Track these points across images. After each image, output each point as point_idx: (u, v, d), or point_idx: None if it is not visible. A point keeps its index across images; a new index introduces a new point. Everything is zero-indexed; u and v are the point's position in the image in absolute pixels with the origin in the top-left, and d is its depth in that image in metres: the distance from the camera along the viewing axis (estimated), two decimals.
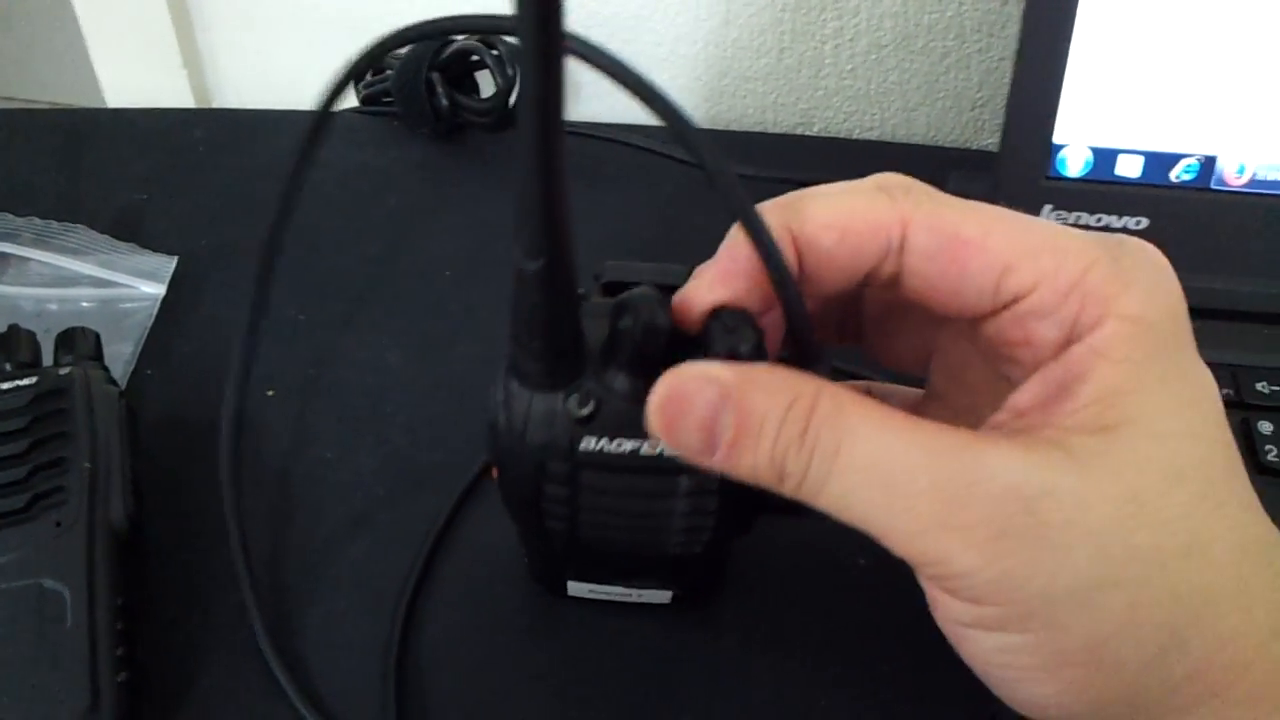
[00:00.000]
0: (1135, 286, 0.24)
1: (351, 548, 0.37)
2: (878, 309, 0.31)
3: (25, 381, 0.36)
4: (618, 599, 0.34)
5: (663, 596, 0.34)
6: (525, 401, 0.26)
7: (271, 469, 0.40)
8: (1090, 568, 0.23)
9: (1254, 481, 0.35)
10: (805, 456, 0.24)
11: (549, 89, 0.20)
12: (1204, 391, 0.24)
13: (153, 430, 0.40)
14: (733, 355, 0.25)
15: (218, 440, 0.37)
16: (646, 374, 0.25)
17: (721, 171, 0.24)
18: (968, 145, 0.58)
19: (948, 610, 0.25)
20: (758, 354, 0.25)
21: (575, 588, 0.34)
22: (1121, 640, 0.23)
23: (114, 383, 0.38)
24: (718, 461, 0.25)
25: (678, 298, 0.26)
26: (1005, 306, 0.25)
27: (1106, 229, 0.42)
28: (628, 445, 0.26)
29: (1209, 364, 0.39)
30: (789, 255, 0.25)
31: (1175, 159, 0.41)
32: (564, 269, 0.24)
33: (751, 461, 0.24)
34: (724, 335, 0.25)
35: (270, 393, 0.42)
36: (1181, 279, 0.42)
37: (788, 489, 0.24)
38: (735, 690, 0.34)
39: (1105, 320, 0.24)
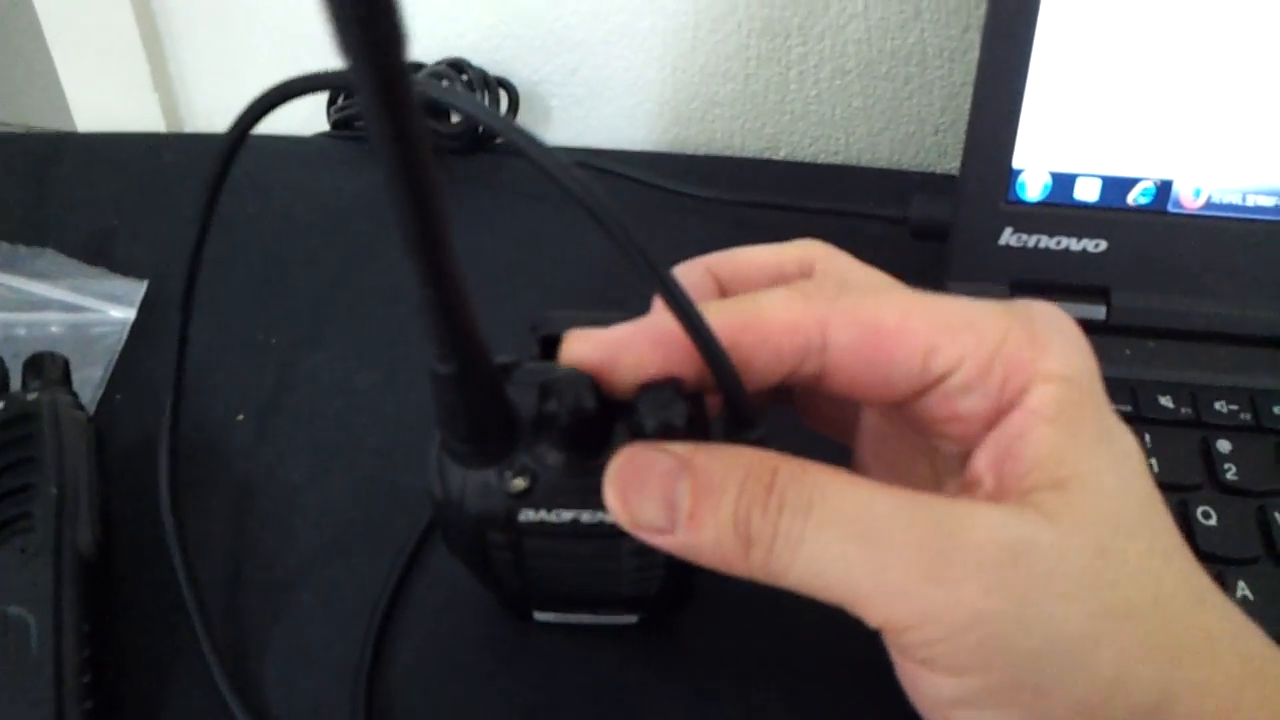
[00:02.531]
0: (1051, 347, 0.24)
1: (322, 572, 0.37)
2: (805, 386, 0.31)
3: None
4: (585, 623, 0.35)
5: (629, 619, 0.34)
6: (460, 476, 0.26)
7: (241, 494, 0.40)
8: (1077, 622, 0.22)
9: (1214, 499, 0.37)
10: (773, 517, 0.23)
11: (423, 212, 0.19)
12: (1127, 447, 0.25)
13: (122, 455, 0.40)
14: (667, 430, 0.24)
15: (185, 465, 0.37)
16: (579, 446, 0.25)
17: (635, 242, 0.22)
18: (931, 169, 0.59)
19: (928, 689, 0.24)
20: (693, 426, 0.24)
21: (541, 615, 0.34)
22: (1114, 702, 0.22)
23: (82, 408, 0.38)
24: (680, 539, 0.24)
25: (609, 364, 0.25)
26: (931, 386, 0.25)
27: (1066, 252, 0.42)
28: (567, 515, 0.26)
29: (1168, 383, 0.40)
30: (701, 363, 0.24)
31: (1132, 183, 0.42)
32: (476, 370, 0.23)
33: (714, 531, 0.23)
34: (655, 412, 0.24)
35: (240, 417, 0.42)
36: (1139, 299, 0.43)
37: (755, 560, 0.23)
38: (702, 712, 0.34)
39: (1031, 384, 0.24)
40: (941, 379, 0.25)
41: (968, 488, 0.25)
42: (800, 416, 0.32)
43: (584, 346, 0.25)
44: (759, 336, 0.25)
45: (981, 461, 0.25)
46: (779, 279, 0.28)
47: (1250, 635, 0.24)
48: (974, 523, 0.22)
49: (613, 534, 0.26)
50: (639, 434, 0.25)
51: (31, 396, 0.36)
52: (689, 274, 0.28)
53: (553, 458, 0.26)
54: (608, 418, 0.25)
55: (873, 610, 0.23)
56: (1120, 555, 0.23)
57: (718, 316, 0.24)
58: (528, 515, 0.26)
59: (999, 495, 0.24)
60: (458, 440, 0.25)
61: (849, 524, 0.23)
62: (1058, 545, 0.22)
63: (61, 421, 0.36)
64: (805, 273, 0.29)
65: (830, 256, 0.28)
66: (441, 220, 0.19)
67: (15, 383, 0.38)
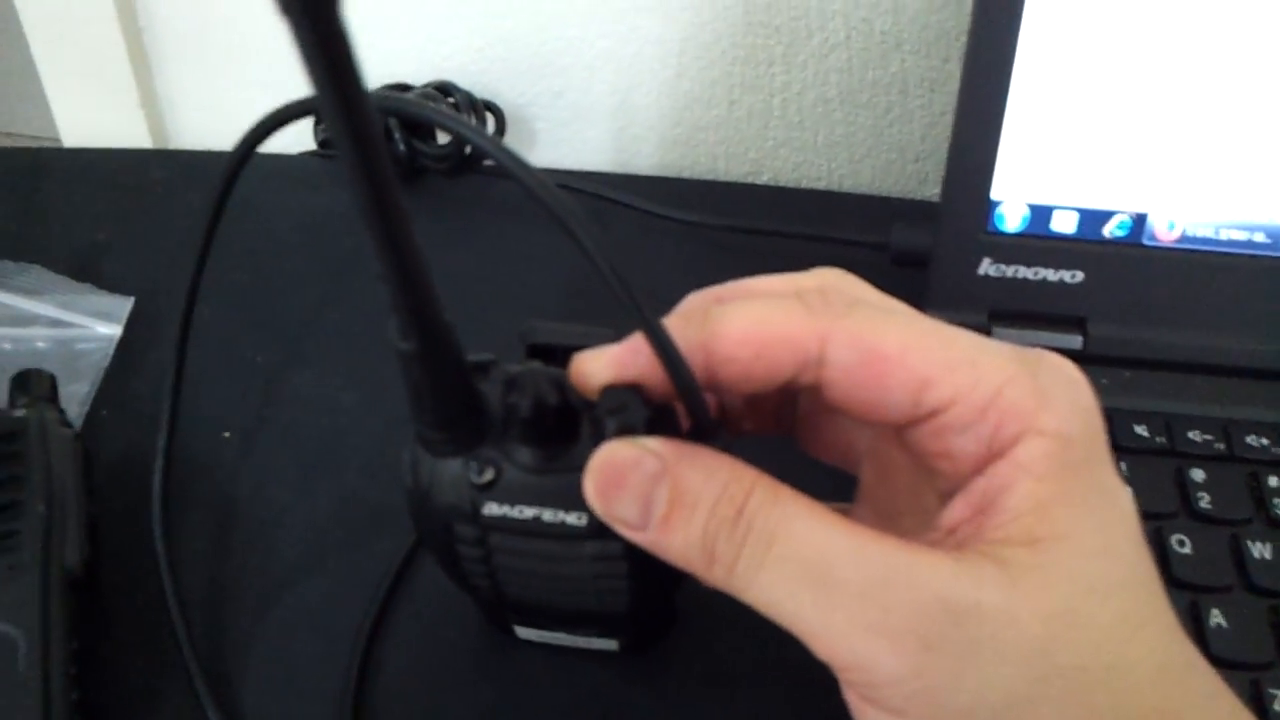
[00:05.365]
0: (1053, 403, 0.24)
1: (308, 591, 0.38)
2: (810, 404, 0.31)
3: None
4: (567, 644, 0.35)
5: (609, 644, 0.34)
6: (430, 466, 0.27)
7: (227, 512, 0.40)
8: (1015, 685, 0.22)
9: (1188, 527, 0.37)
10: (738, 541, 0.23)
11: (377, 186, 0.19)
12: (1123, 510, 0.24)
13: (108, 472, 0.40)
14: (629, 432, 0.25)
15: (171, 482, 0.37)
16: (544, 444, 0.26)
17: (597, 244, 0.23)
18: (912, 196, 0.60)
19: None
20: (653, 430, 0.25)
21: (523, 632, 0.35)
22: None
23: (69, 424, 0.38)
24: (650, 538, 0.24)
25: (577, 369, 0.26)
26: (924, 419, 0.25)
27: (1043, 282, 0.43)
28: (529, 512, 0.27)
29: (1144, 413, 0.41)
30: (700, 366, 0.25)
31: (1108, 215, 0.43)
32: (438, 349, 0.24)
33: (683, 540, 0.24)
34: (610, 415, 0.25)
35: (226, 435, 0.42)
36: (1116, 330, 0.43)
37: (717, 576, 0.24)
38: None
39: (1024, 436, 0.24)
40: (933, 414, 0.24)
41: (941, 536, 0.25)
42: (803, 447, 0.32)
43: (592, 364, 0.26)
44: (756, 347, 0.25)
45: (960, 506, 0.25)
46: None
47: (1220, 708, 0.24)
48: (925, 577, 0.23)
49: (573, 535, 0.26)
50: (601, 433, 0.25)
51: (19, 413, 0.36)
52: (696, 304, 0.28)
53: (519, 453, 0.26)
54: (575, 417, 0.26)
55: (818, 646, 0.24)
56: (1088, 619, 0.23)
57: (716, 325, 0.25)
58: (491, 509, 0.27)
59: (971, 544, 0.24)
60: (426, 426, 0.26)
61: (804, 562, 0.23)
62: (1008, 607, 0.22)
63: (49, 438, 0.36)
64: None
65: (850, 285, 0.28)
66: (392, 187, 0.19)
67: (2, 399, 0.38)
